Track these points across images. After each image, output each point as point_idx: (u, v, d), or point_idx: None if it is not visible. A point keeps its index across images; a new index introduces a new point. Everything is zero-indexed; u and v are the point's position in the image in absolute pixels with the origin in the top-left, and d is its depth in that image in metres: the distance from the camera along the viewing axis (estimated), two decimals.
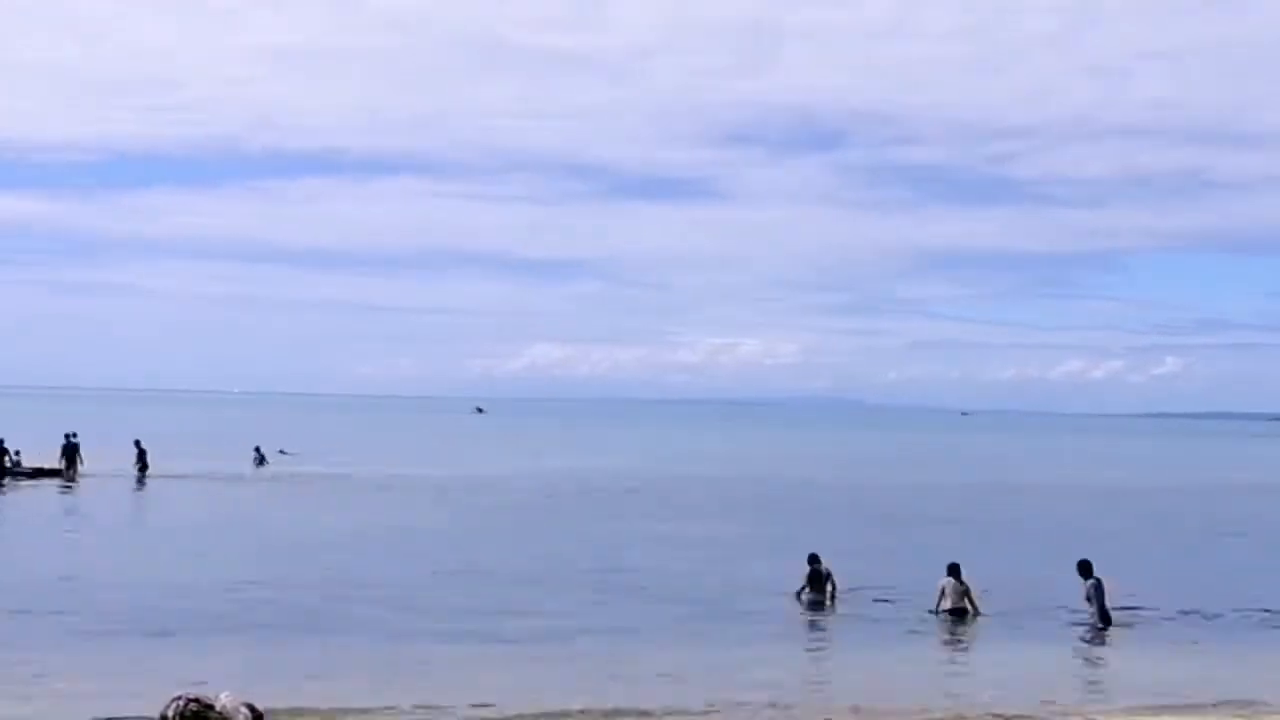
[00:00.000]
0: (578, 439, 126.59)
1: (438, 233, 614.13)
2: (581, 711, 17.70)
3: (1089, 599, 25.70)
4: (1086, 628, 25.23)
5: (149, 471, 55.73)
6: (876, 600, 27.92)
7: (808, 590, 27.78)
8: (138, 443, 57.36)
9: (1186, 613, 27.51)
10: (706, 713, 17.98)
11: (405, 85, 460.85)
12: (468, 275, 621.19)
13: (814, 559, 28.11)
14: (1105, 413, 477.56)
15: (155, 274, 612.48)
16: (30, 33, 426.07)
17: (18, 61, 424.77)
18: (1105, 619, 25.55)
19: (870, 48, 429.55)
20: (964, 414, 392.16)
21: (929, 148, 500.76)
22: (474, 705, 17.87)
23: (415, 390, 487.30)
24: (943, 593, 26.37)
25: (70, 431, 57.46)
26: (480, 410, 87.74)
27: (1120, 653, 23.52)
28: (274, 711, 15.54)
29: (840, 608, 26.87)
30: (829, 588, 27.72)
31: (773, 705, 18.30)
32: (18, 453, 54.24)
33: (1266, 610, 27.85)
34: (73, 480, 53.22)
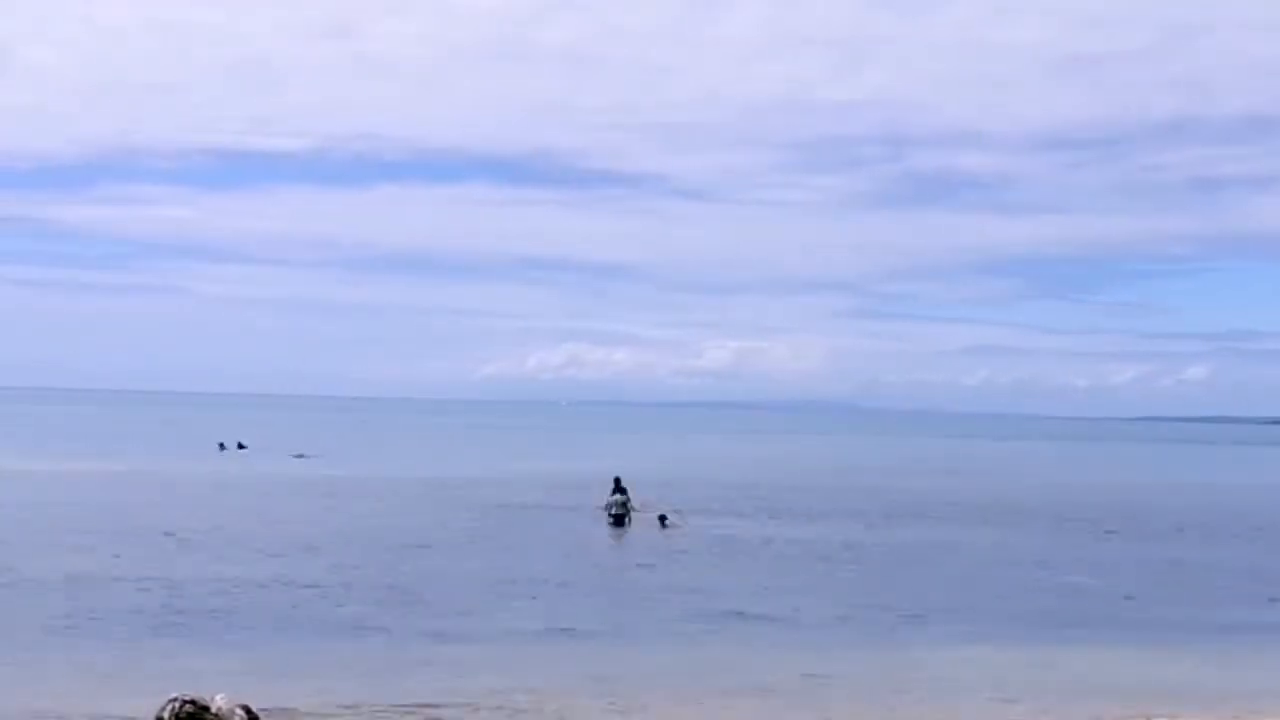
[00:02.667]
0: (578, 443, 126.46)
1: (500, 238, 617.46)
2: (579, 711, 17.67)
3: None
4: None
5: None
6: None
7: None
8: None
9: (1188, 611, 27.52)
10: (704, 711, 17.96)
11: (501, 94, 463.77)
12: (518, 279, 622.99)
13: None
14: (1135, 417, 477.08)
15: (216, 278, 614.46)
16: (129, 40, 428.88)
17: (115, 68, 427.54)
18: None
19: (956, 57, 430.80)
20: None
21: (997, 156, 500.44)
22: (472, 705, 17.83)
23: (438, 393, 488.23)
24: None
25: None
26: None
27: (1122, 653, 23.46)
28: (270, 712, 15.49)
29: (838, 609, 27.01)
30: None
31: (769, 704, 18.29)
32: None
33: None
34: None
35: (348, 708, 17.51)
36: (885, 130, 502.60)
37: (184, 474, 61.37)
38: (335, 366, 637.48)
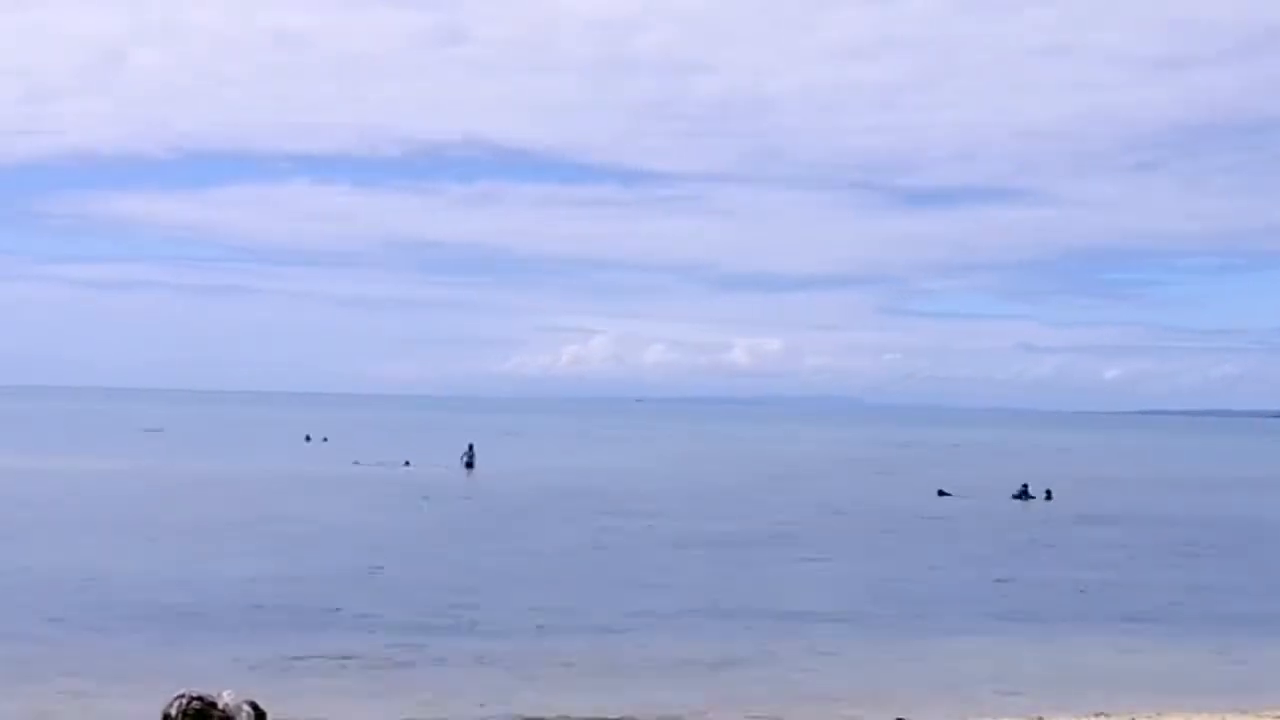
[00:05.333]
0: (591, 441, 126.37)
1: (569, 239, 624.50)
2: (583, 709, 17.72)
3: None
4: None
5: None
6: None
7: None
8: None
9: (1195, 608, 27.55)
10: (707, 710, 17.99)
11: (598, 98, 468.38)
12: (572, 278, 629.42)
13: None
14: (1151, 410, 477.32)
15: (286, 278, 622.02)
16: (237, 44, 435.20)
17: (221, 72, 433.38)
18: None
19: (1038, 60, 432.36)
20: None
21: (1069, 158, 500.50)
22: (476, 703, 17.88)
23: (486, 392, 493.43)
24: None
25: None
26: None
27: (1127, 645, 23.49)
28: (277, 708, 15.56)
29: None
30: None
31: (773, 702, 18.33)
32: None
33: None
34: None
35: (354, 704, 17.57)
36: (959, 131, 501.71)
37: (204, 472, 61.41)
38: (361, 366, 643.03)
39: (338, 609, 25.02)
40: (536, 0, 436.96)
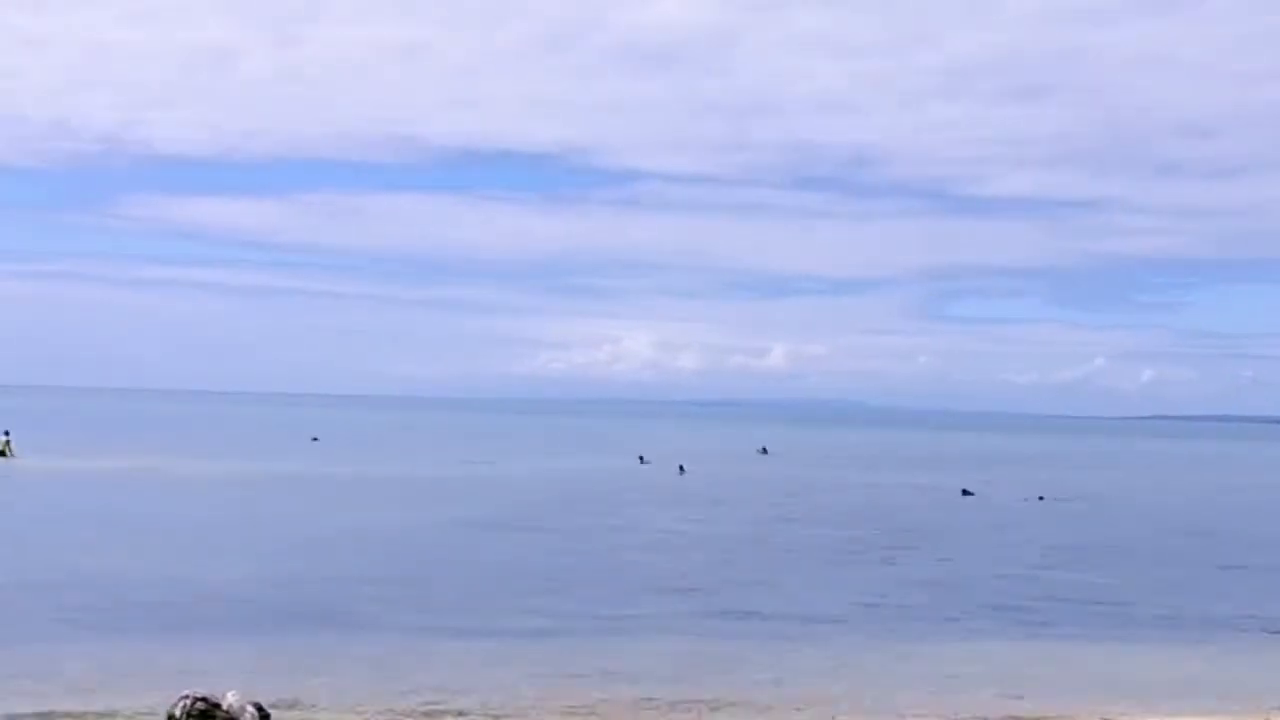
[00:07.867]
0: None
1: (621, 245, 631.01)
2: (588, 706, 17.77)
3: None
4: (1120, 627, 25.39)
5: None
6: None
7: None
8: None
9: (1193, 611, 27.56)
10: (708, 709, 18.04)
11: (690, 105, 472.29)
12: (605, 280, 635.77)
13: None
14: (1159, 415, 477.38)
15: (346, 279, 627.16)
16: (345, 54, 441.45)
17: (326, 82, 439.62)
18: None
19: (1127, 77, 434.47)
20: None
21: (1138, 169, 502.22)
22: (480, 701, 17.92)
23: (507, 393, 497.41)
24: None
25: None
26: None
27: (1129, 649, 23.50)
28: (281, 709, 15.62)
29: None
30: None
31: (775, 702, 18.38)
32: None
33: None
34: None
35: (359, 705, 17.61)
36: (1045, 143, 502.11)
37: (220, 472, 61.47)
38: (398, 369, 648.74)
39: (343, 608, 25.05)
40: (639, 8, 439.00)
